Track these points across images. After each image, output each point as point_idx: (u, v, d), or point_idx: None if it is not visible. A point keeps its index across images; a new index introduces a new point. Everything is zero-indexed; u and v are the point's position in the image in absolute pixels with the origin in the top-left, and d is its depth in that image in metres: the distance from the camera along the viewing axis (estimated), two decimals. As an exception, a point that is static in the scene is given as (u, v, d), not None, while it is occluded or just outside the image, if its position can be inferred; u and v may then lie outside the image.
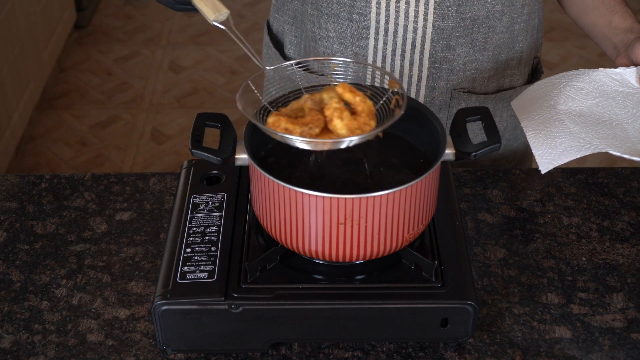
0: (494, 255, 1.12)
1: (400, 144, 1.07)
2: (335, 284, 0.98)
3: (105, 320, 1.04)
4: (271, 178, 0.93)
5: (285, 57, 1.38)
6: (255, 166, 0.95)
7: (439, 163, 0.96)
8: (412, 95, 1.32)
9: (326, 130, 0.95)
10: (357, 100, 0.96)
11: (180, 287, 0.97)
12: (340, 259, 0.97)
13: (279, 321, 0.96)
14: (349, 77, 1.03)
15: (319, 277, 0.99)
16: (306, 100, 0.98)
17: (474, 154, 0.99)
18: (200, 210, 1.07)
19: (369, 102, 0.97)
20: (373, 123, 0.95)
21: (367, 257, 0.97)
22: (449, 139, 1.00)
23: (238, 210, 1.07)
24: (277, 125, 0.93)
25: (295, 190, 0.92)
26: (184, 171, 1.14)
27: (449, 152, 0.99)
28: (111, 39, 3.69)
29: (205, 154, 0.97)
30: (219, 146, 0.99)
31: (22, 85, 2.95)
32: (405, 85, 1.31)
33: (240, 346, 0.98)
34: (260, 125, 0.94)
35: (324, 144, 0.93)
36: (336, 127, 0.94)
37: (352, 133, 0.93)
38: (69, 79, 3.41)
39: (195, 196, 1.09)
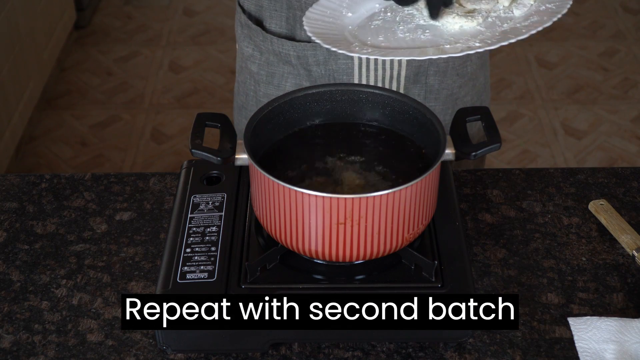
0: (494, 255, 1.12)
1: (400, 144, 1.07)
2: (335, 284, 0.98)
3: (105, 320, 1.04)
4: (271, 178, 0.93)
5: (268, 32, 1.32)
6: (255, 166, 0.95)
7: (439, 163, 0.96)
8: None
9: None
10: None
11: (180, 287, 0.97)
12: (340, 259, 0.97)
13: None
14: None
15: (319, 277, 0.99)
16: None
17: (474, 154, 0.99)
18: (200, 210, 1.07)
19: None
20: None
21: (367, 257, 0.97)
22: (449, 138, 1.00)
23: (238, 210, 1.07)
24: None
25: (295, 190, 0.92)
26: (184, 171, 1.14)
27: (449, 152, 0.99)
28: (111, 39, 3.69)
29: (205, 154, 0.97)
30: (219, 146, 0.99)
31: (22, 85, 2.95)
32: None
33: (240, 346, 0.98)
34: None
35: None
36: None
37: None
38: (69, 79, 3.41)
39: (195, 196, 1.09)
